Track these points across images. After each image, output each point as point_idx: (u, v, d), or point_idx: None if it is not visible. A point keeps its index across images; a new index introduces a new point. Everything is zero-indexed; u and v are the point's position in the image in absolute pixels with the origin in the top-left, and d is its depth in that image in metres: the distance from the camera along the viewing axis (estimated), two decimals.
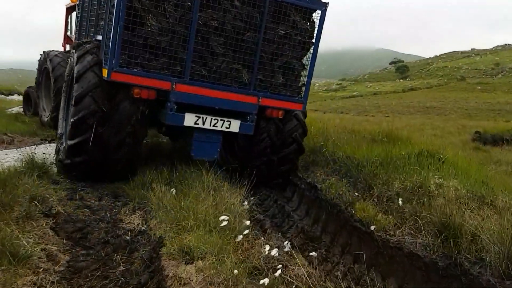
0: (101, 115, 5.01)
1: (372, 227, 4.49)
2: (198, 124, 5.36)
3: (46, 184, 4.56)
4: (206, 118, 5.38)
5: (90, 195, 4.86)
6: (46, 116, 8.70)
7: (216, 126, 5.47)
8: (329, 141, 7.14)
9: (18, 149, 6.15)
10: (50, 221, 3.90)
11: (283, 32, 5.50)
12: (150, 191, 4.70)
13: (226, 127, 5.53)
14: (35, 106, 9.59)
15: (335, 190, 5.46)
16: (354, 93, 70.95)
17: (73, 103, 5.04)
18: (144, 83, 4.94)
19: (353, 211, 4.90)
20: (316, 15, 5.68)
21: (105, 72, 4.87)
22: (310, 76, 5.87)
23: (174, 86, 5.05)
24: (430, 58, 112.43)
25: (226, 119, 5.50)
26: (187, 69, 5.07)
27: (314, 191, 5.78)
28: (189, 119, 5.30)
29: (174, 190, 4.60)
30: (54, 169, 5.13)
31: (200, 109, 5.41)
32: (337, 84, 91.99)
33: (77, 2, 7.34)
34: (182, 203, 4.13)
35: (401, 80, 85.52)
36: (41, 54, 8.93)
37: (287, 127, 6.18)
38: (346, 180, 5.74)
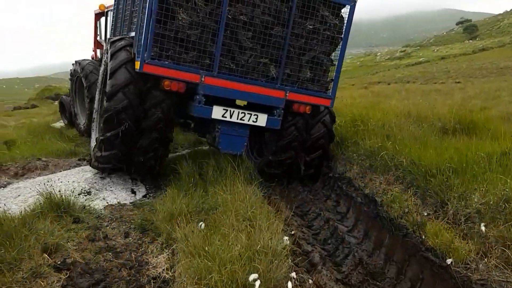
0: (132, 111, 5.15)
1: (449, 261, 3.56)
2: (226, 117, 5.43)
3: (65, 225, 4.11)
4: (234, 111, 5.44)
5: (116, 231, 4.36)
6: (82, 124, 8.69)
7: (243, 120, 5.52)
8: (389, 140, 6.09)
9: (46, 176, 5.86)
10: (63, 276, 3.43)
11: (311, 27, 5.47)
12: (177, 226, 4.10)
13: (253, 121, 5.56)
14: (70, 115, 9.67)
15: (399, 206, 4.52)
16: (420, 59, 65.96)
17: (105, 98, 5.20)
18: (174, 75, 5.07)
19: (424, 236, 3.97)
20: (345, 11, 5.64)
21: (137, 65, 5.02)
22: (338, 72, 5.81)
23: (203, 79, 5.16)
24: (500, 14, 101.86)
25: (253, 113, 5.55)
26: (216, 62, 5.15)
27: (374, 207, 4.87)
28: (217, 112, 5.38)
29: (203, 225, 3.97)
30: (78, 201, 4.71)
31: (227, 102, 5.56)
32: (401, 52, 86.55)
33: (113, 5, 7.54)
34: (207, 248, 3.47)
35: (471, 41, 78.45)
36: (73, 64, 8.94)
37: (315, 119, 6.11)
38: (412, 191, 4.72)
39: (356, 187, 5.40)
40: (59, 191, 4.61)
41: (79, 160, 6.83)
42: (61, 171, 6.24)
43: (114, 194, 5.27)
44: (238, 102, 6.41)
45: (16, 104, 36.83)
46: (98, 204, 4.98)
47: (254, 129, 5.88)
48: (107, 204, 5.04)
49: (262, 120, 5.61)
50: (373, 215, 4.82)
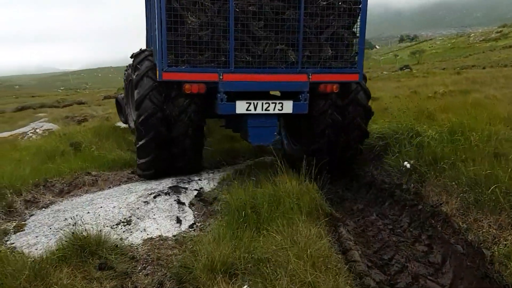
0: (160, 116, 5.40)
1: None
2: (250, 110, 5.42)
3: (88, 273, 3.46)
4: (257, 103, 5.41)
5: (149, 280, 3.63)
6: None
7: (269, 110, 5.46)
8: (499, 163, 4.67)
9: (92, 195, 5.38)
10: None
11: (325, 2, 5.28)
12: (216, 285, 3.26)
13: (279, 109, 5.49)
14: (125, 115, 9.70)
15: None
16: None
17: (134, 108, 5.51)
18: (193, 78, 5.16)
19: None
20: None
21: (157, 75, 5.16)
22: (362, 44, 5.57)
23: (221, 77, 5.19)
24: None
25: (277, 101, 5.49)
26: (231, 58, 5.14)
27: (480, 261, 3.61)
28: (241, 107, 5.38)
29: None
30: (112, 237, 4.05)
31: (252, 95, 5.51)
32: (497, 32, 78.58)
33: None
34: None
35: None
36: (127, 67, 8.85)
37: (348, 98, 5.85)
38: None
39: (455, 229, 4.09)
40: (92, 224, 4.00)
41: (131, 173, 6.33)
42: (110, 187, 5.79)
43: (157, 224, 4.56)
44: (271, 92, 6.36)
45: (107, 93, 39.12)
46: (137, 237, 4.30)
47: (288, 116, 5.97)
48: (147, 237, 4.34)
49: (288, 107, 5.51)
50: (479, 274, 3.57)
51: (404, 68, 35.24)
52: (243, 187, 4.57)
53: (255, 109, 5.43)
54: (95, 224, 4.32)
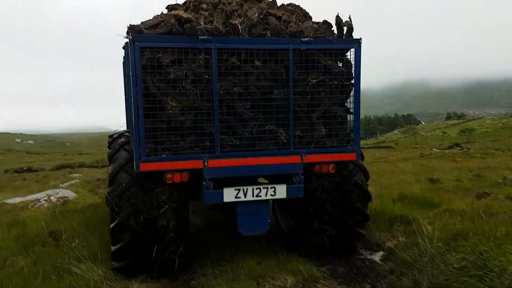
0: (141, 216, 4.85)
1: None
2: (240, 197, 5.06)
3: None
4: (247, 189, 5.07)
5: None
6: None
7: (260, 196, 5.11)
8: None
9: None
10: None
11: (315, 80, 5.09)
12: None
13: (272, 194, 5.15)
14: None
15: None
16: None
17: (109, 208, 4.97)
18: (174, 167, 4.78)
19: None
20: (351, 54, 5.18)
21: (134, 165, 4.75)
22: (357, 121, 5.31)
23: (206, 163, 4.85)
24: None
25: (269, 186, 5.16)
26: (217, 142, 4.84)
27: None
28: (229, 194, 5.02)
29: None
30: None
31: (240, 180, 5.14)
32: None
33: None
34: None
35: None
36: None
37: (346, 175, 5.54)
38: None
39: None
40: None
41: None
42: None
43: None
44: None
45: None
46: None
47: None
48: None
49: (281, 191, 5.17)
50: None
51: (454, 146, 34.63)
52: None
53: (245, 195, 5.07)
54: None
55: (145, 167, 4.66)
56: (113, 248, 4.97)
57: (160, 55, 4.59)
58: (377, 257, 5.86)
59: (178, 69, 4.64)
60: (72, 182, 15.86)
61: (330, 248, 5.65)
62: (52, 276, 4.94)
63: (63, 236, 6.33)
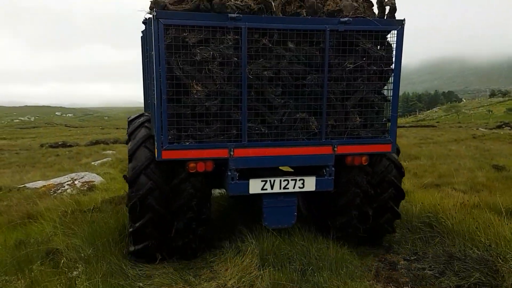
0: (159, 193, 4.71)
1: None
2: (266, 189, 4.82)
3: None
4: (274, 180, 4.83)
5: None
6: None
7: (288, 188, 4.88)
8: None
9: None
10: None
11: (352, 65, 4.74)
12: None
13: (300, 187, 4.90)
14: None
15: None
16: None
17: (128, 185, 4.82)
18: (198, 155, 4.54)
19: None
20: (392, 36, 4.80)
21: (155, 152, 4.50)
22: (395, 110, 4.98)
23: (232, 153, 4.59)
24: None
25: (298, 178, 4.90)
26: (244, 130, 4.56)
27: None
28: (255, 186, 4.78)
29: None
30: None
31: (267, 170, 4.99)
32: None
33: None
34: None
35: None
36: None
37: (379, 170, 5.33)
38: None
39: None
40: None
41: None
42: None
43: None
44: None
45: None
46: None
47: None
48: None
49: (310, 184, 4.91)
50: None
51: (503, 125, 32.78)
52: None
53: (272, 187, 4.82)
54: None
55: (167, 155, 4.41)
56: (131, 228, 4.79)
57: (186, 34, 4.22)
58: None
59: (205, 50, 4.28)
60: (104, 160, 15.75)
61: (357, 243, 5.48)
62: None
63: (62, 260, 4.64)
